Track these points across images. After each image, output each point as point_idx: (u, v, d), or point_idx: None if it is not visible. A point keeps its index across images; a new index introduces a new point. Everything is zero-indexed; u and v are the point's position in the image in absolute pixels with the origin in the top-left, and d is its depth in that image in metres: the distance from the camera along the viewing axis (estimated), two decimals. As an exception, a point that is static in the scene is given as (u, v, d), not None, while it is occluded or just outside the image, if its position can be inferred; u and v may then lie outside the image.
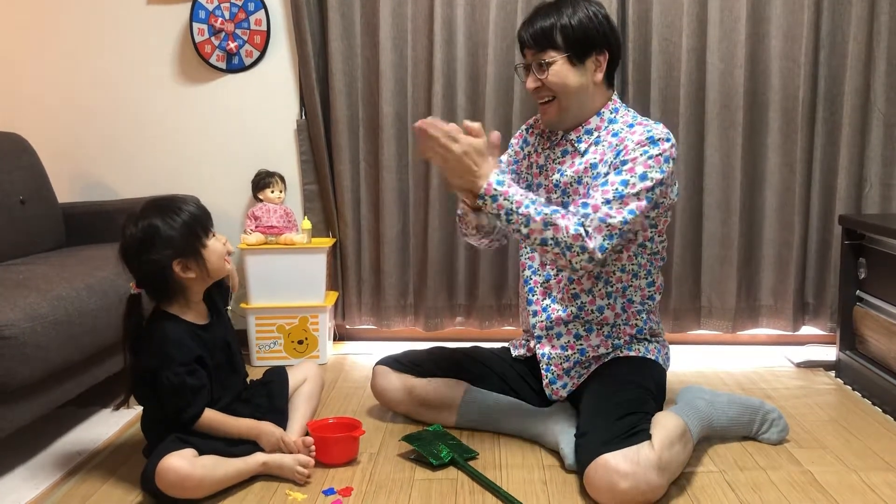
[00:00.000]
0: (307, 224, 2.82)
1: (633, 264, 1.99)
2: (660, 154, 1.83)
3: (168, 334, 1.76)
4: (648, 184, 1.81)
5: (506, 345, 2.26)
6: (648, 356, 2.03)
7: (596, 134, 1.97)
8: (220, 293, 1.95)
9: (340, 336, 3.06)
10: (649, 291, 2.02)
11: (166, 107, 2.96)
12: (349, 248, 2.94)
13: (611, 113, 1.98)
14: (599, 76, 1.94)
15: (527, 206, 1.73)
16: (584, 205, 1.80)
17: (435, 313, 2.92)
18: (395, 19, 2.79)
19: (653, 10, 2.71)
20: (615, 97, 2.01)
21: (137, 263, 1.76)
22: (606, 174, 1.86)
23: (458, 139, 1.70)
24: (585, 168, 1.95)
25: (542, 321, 2.04)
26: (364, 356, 2.87)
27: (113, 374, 2.24)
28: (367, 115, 2.88)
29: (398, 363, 2.18)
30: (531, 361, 2.12)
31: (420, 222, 2.89)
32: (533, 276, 2.07)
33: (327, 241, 2.86)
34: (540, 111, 2.01)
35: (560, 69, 1.90)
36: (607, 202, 1.78)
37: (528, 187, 2.09)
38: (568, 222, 1.74)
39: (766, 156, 2.77)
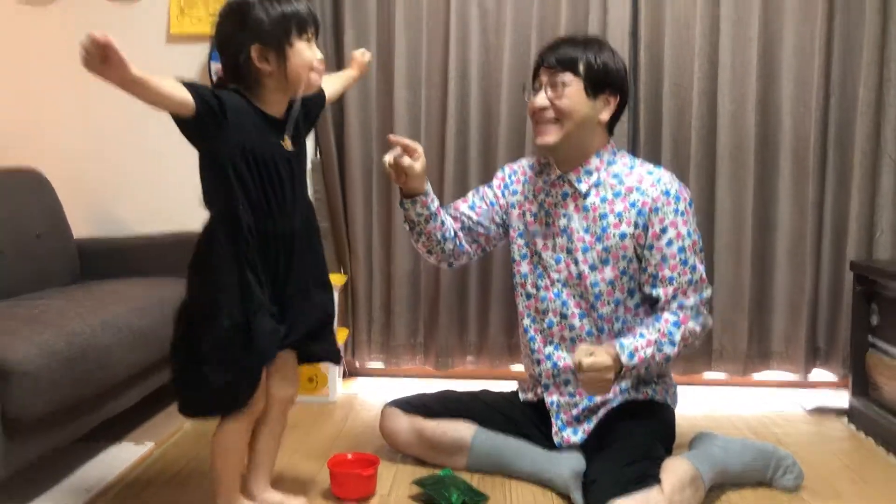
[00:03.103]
0: (319, 261, 2.83)
1: (632, 315, 2.00)
2: (685, 205, 1.93)
3: (224, 96, 1.57)
4: (696, 238, 1.94)
5: (514, 388, 2.26)
6: (656, 398, 2.03)
7: (596, 175, 1.99)
8: (307, 116, 1.77)
9: (350, 373, 3.06)
10: None
11: (183, 143, 2.97)
12: (360, 285, 2.95)
13: (610, 155, 2.02)
14: (605, 116, 1.98)
15: (660, 349, 1.84)
16: (676, 300, 1.90)
17: (445, 352, 2.92)
18: (410, 60, 2.84)
19: (664, 53, 2.75)
20: (613, 142, 2.05)
21: (220, 36, 1.63)
22: (635, 239, 1.94)
23: (585, 370, 1.74)
24: (594, 218, 1.96)
25: (547, 369, 2.04)
26: (374, 394, 2.86)
27: (126, 409, 2.25)
28: (380, 154, 2.88)
29: (408, 405, 2.17)
30: (539, 405, 2.12)
31: (431, 261, 2.91)
32: (532, 325, 2.07)
33: (339, 279, 2.87)
34: (538, 132, 1.99)
35: (574, 93, 1.94)
36: (687, 280, 1.91)
37: (520, 235, 2.10)
38: (686, 325, 1.88)
39: (777, 200, 2.78)
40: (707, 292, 1.96)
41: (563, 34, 2.70)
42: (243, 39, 1.59)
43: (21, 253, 2.53)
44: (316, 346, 1.81)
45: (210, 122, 1.53)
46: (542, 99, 1.97)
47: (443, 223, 2.07)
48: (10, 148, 3.01)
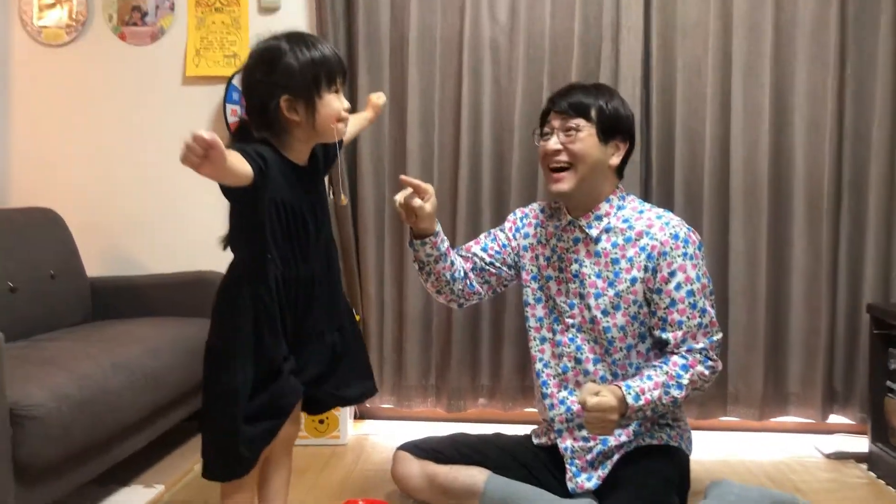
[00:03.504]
0: (331, 301, 2.83)
1: (644, 360, 1.99)
2: (694, 249, 1.93)
3: (265, 154, 1.56)
4: (705, 281, 1.94)
5: (528, 432, 2.24)
6: (671, 443, 2.01)
7: (606, 220, 1.99)
8: (326, 160, 1.78)
9: (361, 414, 3.04)
10: None
11: (197, 184, 2.99)
12: (372, 325, 2.94)
13: (619, 200, 2.03)
14: (616, 161, 2.00)
15: (667, 391, 1.83)
16: (685, 343, 1.90)
17: (458, 395, 2.89)
18: (423, 103, 2.86)
19: (676, 98, 2.76)
20: (622, 187, 2.05)
21: (249, 81, 1.62)
22: (645, 283, 1.93)
23: (590, 410, 1.74)
24: (606, 264, 1.96)
25: (560, 414, 2.02)
26: (385, 437, 2.84)
27: (136, 451, 2.23)
28: (393, 194, 2.89)
29: (419, 449, 2.15)
30: (553, 450, 2.09)
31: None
32: (545, 370, 2.06)
33: (351, 319, 2.86)
34: (551, 180, 2.01)
35: (586, 138, 1.95)
36: (696, 323, 1.91)
37: (534, 278, 2.10)
38: (695, 369, 1.88)
39: (791, 243, 2.77)
40: (717, 336, 1.95)
41: (574, 79, 2.73)
42: (273, 88, 1.59)
43: (35, 292, 2.55)
44: (321, 391, 1.79)
45: (260, 185, 1.53)
46: (554, 143, 1.98)
47: (452, 263, 2.07)
48: (26, 187, 3.05)
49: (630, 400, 1.78)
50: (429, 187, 1.93)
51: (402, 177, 1.95)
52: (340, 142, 1.71)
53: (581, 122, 1.95)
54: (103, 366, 2.07)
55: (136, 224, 3.05)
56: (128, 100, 3.02)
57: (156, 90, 3.02)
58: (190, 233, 3.02)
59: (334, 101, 1.63)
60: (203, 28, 2.97)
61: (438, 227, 2.02)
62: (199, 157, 1.28)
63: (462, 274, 2.10)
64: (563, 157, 1.97)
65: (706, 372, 1.91)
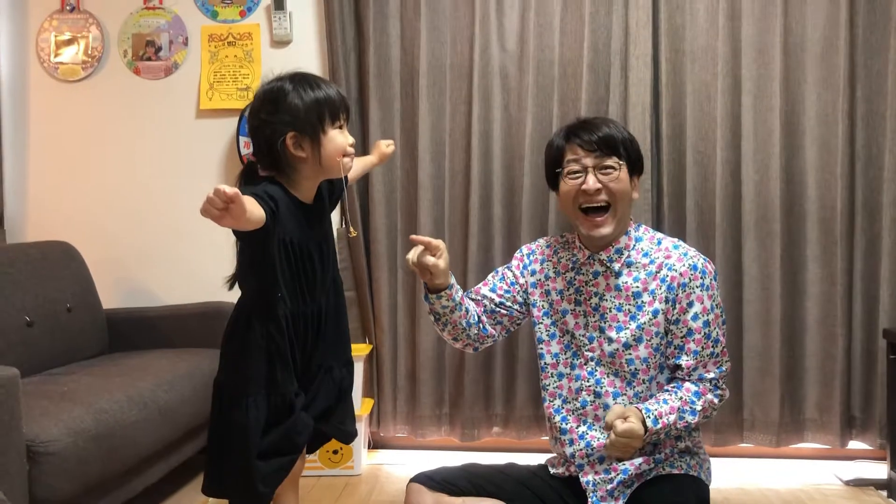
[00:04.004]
0: (345, 331, 2.83)
1: (663, 386, 1.98)
2: (710, 279, 1.92)
3: (275, 194, 1.60)
4: (718, 311, 1.92)
5: (542, 461, 2.22)
6: (691, 472, 1.98)
7: (626, 253, 1.98)
8: (331, 197, 1.80)
9: (374, 444, 3.03)
10: None
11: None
12: (385, 355, 2.95)
13: (635, 231, 2.02)
14: (636, 195, 2.00)
15: (682, 416, 1.83)
16: (696, 371, 1.91)
17: (471, 424, 2.88)
18: (434, 132, 2.88)
19: (686, 123, 2.76)
20: (633, 217, 2.06)
21: (255, 121, 1.65)
22: (663, 313, 1.92)
23: (619, 435, 1.72)
24: (627, 297, 1.95)
25: (580, 449, 2.01)
26: (399, 467, 2.83)
27: (150, 484, 2.24)
28: (405, 224, 2.93)
29: (432, 481, 2.12)
30: (570, 481, 2.07)
31: (456, 330, 2.89)
32: (564, 406, 2.04)
33: (364, 348, 2.87)
34: (589, 224, 1.95)
35: (625, 176, 1.94)
36: (709, 353, 1.90)
37: (546, 314, 2.08)
38: (706, 397, 1.88)
39: (805, 267, 2.75)
40: (726, 367, 1.94)
41: (584, 105, 2.74)
42: (278, 126, 1.62)
43: (52, 325, 2.57)
44: (328, 425, 1.81)
45: (271, 227, 1.55)
46: (594, 182, 1.95)
47: (467, 311, 2.06)
48: (42, 221, 3.09)
49: (649, 423, 1.78)
50: (440, 243, 1.90)
51: (413, 236, 1.93)
52: (346, 179, 1.73)
53: (615, 160, 1.95)
54: (119, 399, 2.09)
55: (151, 256, 3.07)
56: (143, 133, 3.07)
57: (170, 123, 3.06)
58: (204, 264, 3.05)
59: (339, 137, 1.66)
60: (216, 62, 3.02)
61: (452, 280, 2.01)
62: (219, 210, 1.32)
63: (476, 319, 2.09)
64: (603, 197, 1.96)
65: (716, 400, 1.91)
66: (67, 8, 3.07)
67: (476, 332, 2.08)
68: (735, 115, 2.75)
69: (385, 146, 2.05)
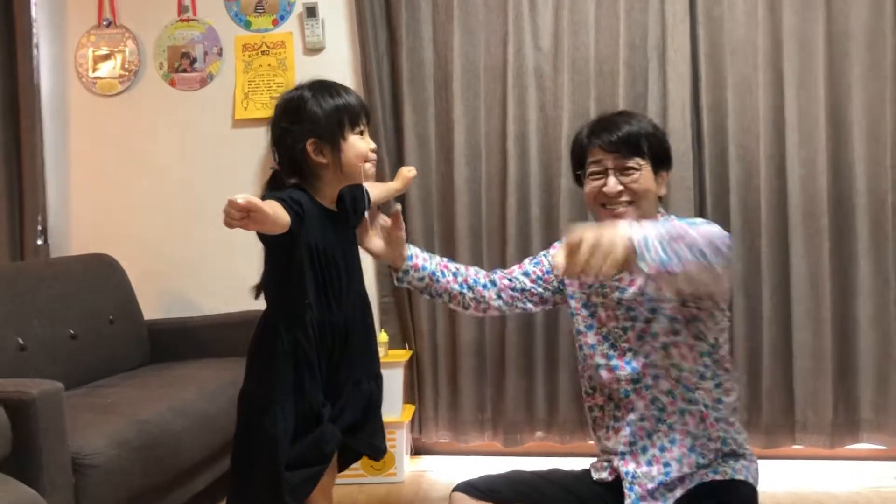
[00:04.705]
0: (384, 337, 2.83)
1: (698, 365, 1.91)
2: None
3: (301, 200, 1.61)
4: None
5: (586, 467, 2.18)
6: (737, 476, 1.92)
7: None
8: (355, 205, 1.79)
9: (417, 450, 3.01)
10: (717, 394, 1.92)
11: (248, 224, 3.05)
12: (425, 360, 2.93)
13: (664, 223, 1.97)
14: (663, 192, 1.95)
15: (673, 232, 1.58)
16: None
17: (514, 428, 2.85)
18: (469, 135, 2.86)
19: (728, 118, 2.70)
20: (662, 210, 2.00)
21: (277, 131, 1.67)
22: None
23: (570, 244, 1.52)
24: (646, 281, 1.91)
25: (625, 437, 1.97)
26: (442, 472, 2.80)
27: (194, 495, 2.25)
28: (441, 229, 2.91)
29: (475, 490, 2.10)
30: (613, 486, 2.03)
31: (496, 334, 2.86)
32: (602, 396, 2.01)
33: (404, 354, 2.85)
34: (610, 218, 1.95)
35: (647, 175, 1.90)
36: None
37: (585, 305, 2.05)
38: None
39: (856, 263, 2.67)
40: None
41: (622, 103, 2.70)
42: (299, 134, 1.63)
43: (95, 338, 2.60)
44: (356, 440, 1.79)
45: (297, 231, 1.56)
46: (614, 184, 1.92)
47: (455, 275, 2.05)
48: (84, 234, 3.13)
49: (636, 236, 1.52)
50: (387, 219, 1.90)
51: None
52: (368, 199, 1.76)
53: (637, 160, 1.91)
54: (161, 410, 2.10)
55: (192, 266, 3.10)
56: (180, 144, 3.09)
57: (206, 134, 3.08)
58: (244, 273, 3.01)
59: (359, 142, 1.67)
60: (251, 71, 3.03)
61: (411, 251, 2.00)
62: (238, 220, 1.35)
63: (474, 281, 2.08)
64: (625, 198, 1.93)
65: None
66: (104, 23, 3.11)
67: (476, 295, 2.07)
68: (778, 108, 2.67)
69: (407, 171, 2.07)
